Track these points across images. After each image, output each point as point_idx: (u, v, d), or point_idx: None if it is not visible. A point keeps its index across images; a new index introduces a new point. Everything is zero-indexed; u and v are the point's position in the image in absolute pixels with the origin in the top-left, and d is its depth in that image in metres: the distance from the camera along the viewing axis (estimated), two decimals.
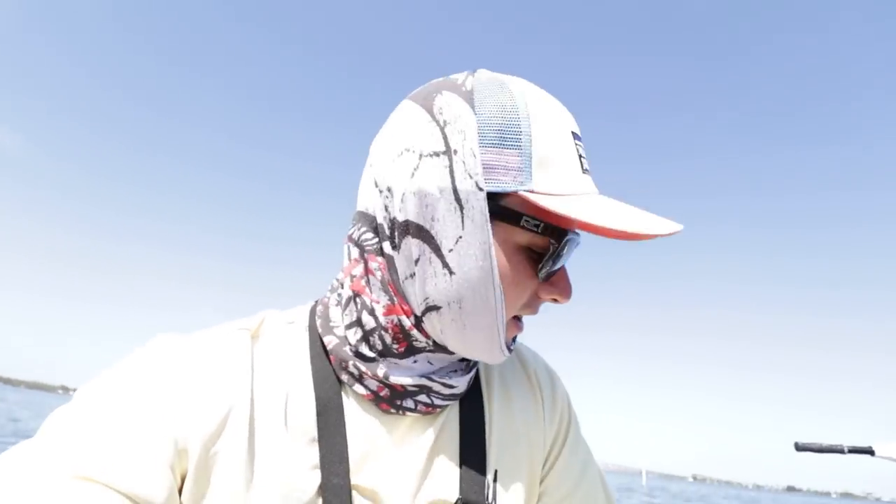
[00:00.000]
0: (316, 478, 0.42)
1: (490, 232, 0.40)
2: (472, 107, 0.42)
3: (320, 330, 0.48)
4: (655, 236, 0.41)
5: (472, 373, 0.49)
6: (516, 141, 0.41)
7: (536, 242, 0.43)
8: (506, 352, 0.44)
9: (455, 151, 0.41)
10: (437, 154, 0.41)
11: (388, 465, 0.45)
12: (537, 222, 0.41)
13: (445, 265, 0.41)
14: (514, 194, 0.41)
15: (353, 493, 0.42)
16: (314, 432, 0.43)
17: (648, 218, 0.42)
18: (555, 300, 0.45)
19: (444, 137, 0.41)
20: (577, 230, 0.44)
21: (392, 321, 0.45)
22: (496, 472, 0.48)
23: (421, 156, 0.42)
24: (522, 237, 0.42)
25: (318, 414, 0.44)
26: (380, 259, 0.45)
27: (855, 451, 1.72)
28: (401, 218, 0.43)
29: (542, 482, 0.54)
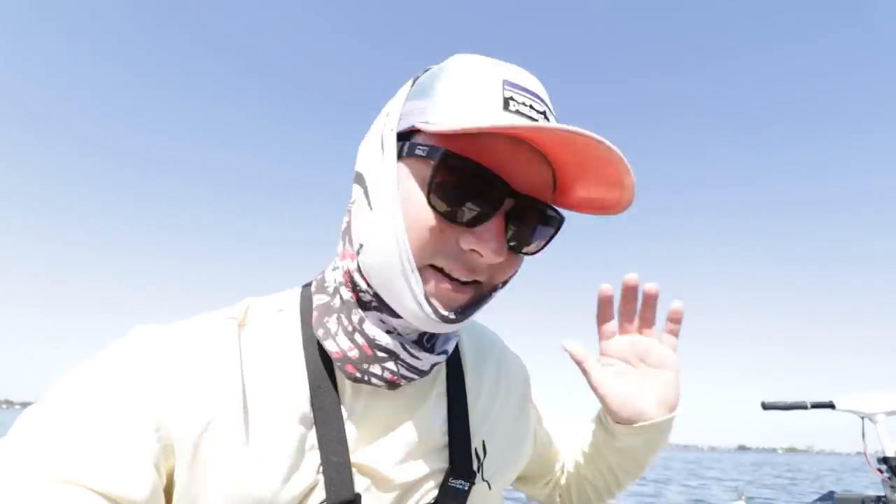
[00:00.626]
0: (315, 458, 0.43)
1: (395, 165, 0.43)
2: (415, 80, 0.48)
3: (313, 289, 0.51)
4: (607, 159, 0.40)
5: (440, 357, 0.49)
6: (430, 90, 0.45)
7: (429, 173, 0.42)
8: (426, 307, 0.42)
9: (388, 113, 0.46)
10: (380, 120, 0.47)
11: (383, 442, 0.47)
12: (424, 146, 0.42)
13: (369, 203, 0.44)
14: (417, 132, 0.44)
15: (353, 469, 0.44)
16: (310, 414, 0.45)
17: (557, 126, 0.37)
18: (475, 252, 0.42)
19: (388, 107, 0.47)
20: (484, 171, 0.41)
21: (344, 267, 0.48)
22: (483, 442, 0.53)
23: (373, 124, 0.49)
24: (422, 169, 0.43)
25: (313, 396, 0.45)
26: (347, 216, 0.50)
27: (817, 406, 1.90)
28: (354, 172, 0.49)
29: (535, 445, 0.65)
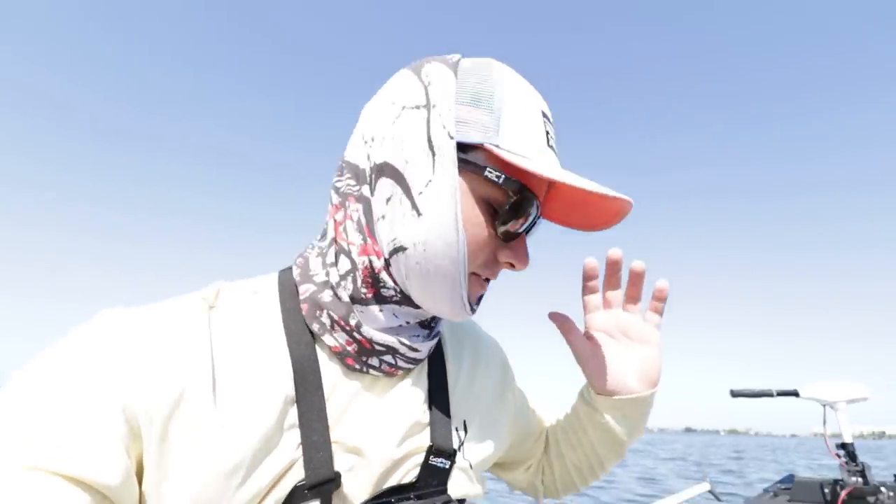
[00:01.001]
0: (295, 436, 0.43)
1: (457, 178, 0.43)
2: (455, 73, 0.46)
3: (298, 278, 0.50)
4: (618, 204, 0.45)
5: (434, 340, 0.52)
6: (489, 103, 0.45)
7: (497, 198, 0.45)
8: (467, 307, 0.47)
9: (434, 106, 0.45)
10: (418, 107, 0.45)
11: (365, 421, 0.47)
12: (499, 174, 0.44)
13: (414, 206, 0.44)
14: (481, 147, 0.44)
15: (334, 447, 0.44)
16: (292, 392, 0.44)
17: (601, 187, 0.44)
18: (511, 265, 0.48)
19: (426, 94, 0.45)
20: (537, 203, 0.46)
21: (364, 262, 0.47)
22: (464, 422, 0.54)
23: (403, 108, 0.46)
24: (485, 189, 0.45)
25: (296, 373, 0.45)
26: (358, 203, 0.48)
27: (783, 393, 1.99)
28: (378, 161, 0.46)
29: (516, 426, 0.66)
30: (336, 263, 0.48)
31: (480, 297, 0.51)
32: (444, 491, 0.49)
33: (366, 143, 0.48)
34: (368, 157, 0.48)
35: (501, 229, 0.46)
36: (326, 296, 0.48)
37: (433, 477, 0.48)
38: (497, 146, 0.44)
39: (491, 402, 0.61)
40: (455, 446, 0.51)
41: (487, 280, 0.50)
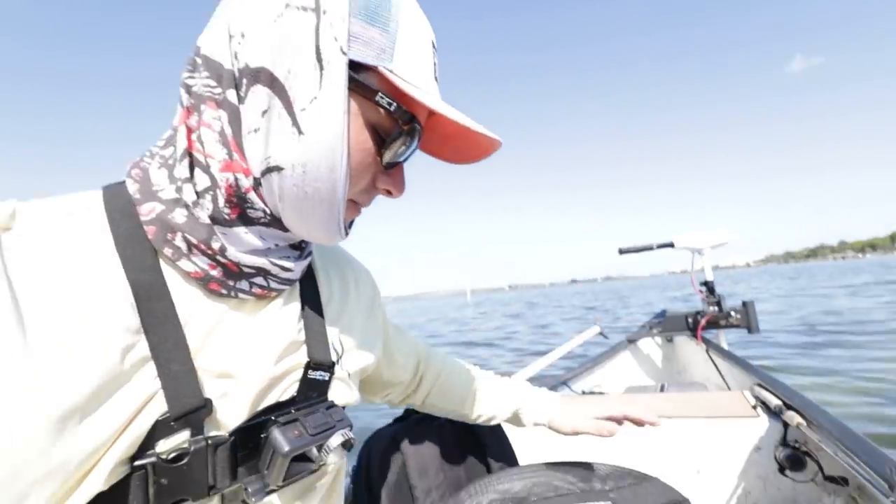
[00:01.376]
0: (150, 369, 0.38)
1: (346, 99, 0.39)
2: None
3: (137, 195, 0.41)
4: (489, 141, 0.46)
5: (307, 260, 0.50)
6: (385, 22, 0.40)
7: (384, 125, 0.42)
8: (343, 232, 0.45)
9: (324, 12, 0.38)
10: (305, 9, 0.38)
11: (234, 344, 0.43)
12: (391, 101, 0.41)
13: (295, 123, 0.39)
14: (373, 70, 0.40)
15: (201, 374, 0.40)
16: (136, 323, 0.38)
17: (481, 126, 0.44)
18: (388, 192, 0.47)
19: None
20: (418, 132, 0.44)
21: (227, 179, 0.41)
22: (340, 337, 0.53)
23: (287, 5, 0.39)
24: (373, 115, 0.42)
25: (140, 301, 0.39)
26: (220, 110, 0.41)
27: (661, 246, 2.43)
28: (253, 64, 0.39)
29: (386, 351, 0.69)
30: (192, 178, 0.41)
31: (352, 222, 0.49)
32: (325, 400, 0.49)
33: (232, 37, 0.40)
34: (236, 57, 0.40)
35: (386, 158, 0.44)
36: (179, 216, 0.41)
37: (313, 390, 0.48)
38: (391, 71, 0.40)
39: (364, 318, 0.61)
40: (334, 359, 0.51)
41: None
